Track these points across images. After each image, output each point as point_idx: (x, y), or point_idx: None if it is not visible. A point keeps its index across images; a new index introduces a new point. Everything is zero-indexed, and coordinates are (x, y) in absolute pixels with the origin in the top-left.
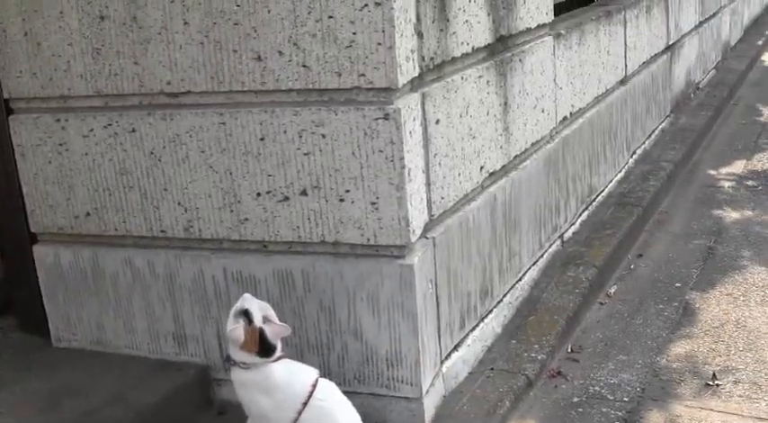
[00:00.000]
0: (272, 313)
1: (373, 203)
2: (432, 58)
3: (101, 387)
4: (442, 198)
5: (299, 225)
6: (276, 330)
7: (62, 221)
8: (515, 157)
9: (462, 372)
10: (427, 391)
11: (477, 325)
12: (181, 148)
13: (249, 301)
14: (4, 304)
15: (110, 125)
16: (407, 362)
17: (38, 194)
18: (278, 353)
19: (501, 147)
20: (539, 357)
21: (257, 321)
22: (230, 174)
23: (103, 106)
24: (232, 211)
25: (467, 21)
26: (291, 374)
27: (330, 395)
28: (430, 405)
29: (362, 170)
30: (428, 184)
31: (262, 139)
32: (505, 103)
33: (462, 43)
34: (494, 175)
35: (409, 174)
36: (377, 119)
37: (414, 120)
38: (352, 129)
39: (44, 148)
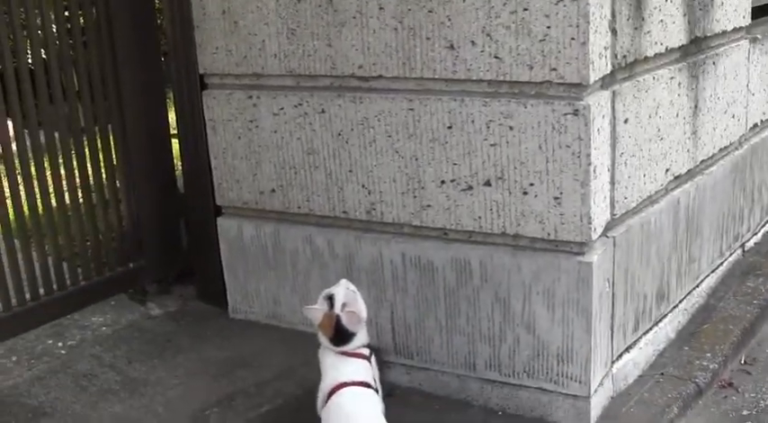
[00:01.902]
0: (354, 302)
1: (556, 198)
2: (624, 56)
3: (273, 360)
4: (626, 198)
5: (481, 215)
6: (351, 318)
7: (247, 196)
8: (702, 161)
9: (632, 374)
10: (595, 391)
11: (650, 328)
12: (368, 132)
13: (338, 287)
14: (185, 273)
15: (300, 105)
16: (578, 359)
17: (225, 168)
18: (356, 346)
19: (688, 150)
20: (711, 366)
21: (336, 308)
22: (416, 160)
23: (295, 86)
24: (415, 196)
25: (662, 20)
26: (328, 369)
27: (342, 405)
28: (597, 404)
29: (548, 164)
30: (612, 182)
31: (449, 128)
32: (696, 106)
33: (656, 43)
34: (679, 179)
35: (595, 171)
36: (566, 114)
37: (603, 117)
38: (540, 122)
39: (235, 123)
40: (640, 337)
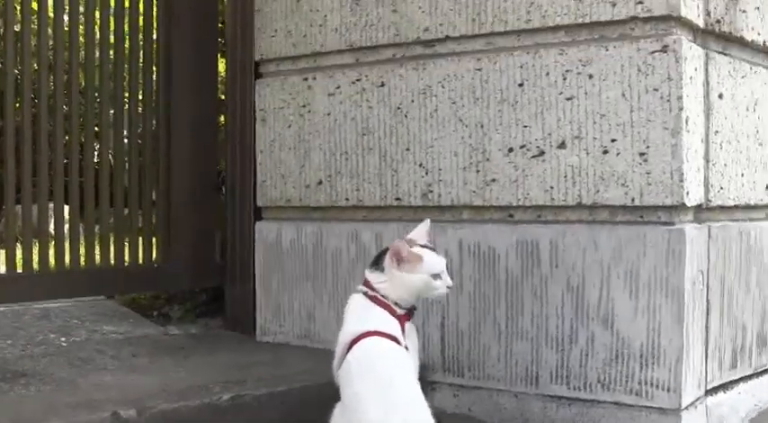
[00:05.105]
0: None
1: (642, 154)
2: (718, 21)
3: (292, 364)
4: (722, 188)
5: (553, 185)
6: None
7: (291, 192)
8: None
9: (730, 420)
10: (686, 408)
11: (749, 376)
12: (430, 101)
13: (422, 226)
14: (212, 302)
15: (358, 80)
16: (666, 359)
17: (271, 163)
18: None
19: None
20: None
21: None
22: (481, 127)
23: (353, 63)
24: (478, 170)
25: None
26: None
27: (368, 350)
28: None
29: (632, 114)
30: (707, 159)
31: (520, 85)
32: None
33: (751, 28)
34: None
35: (687, 121)
36: (653, 52)
37: (695, 69)
38: (623, 65)
39: (286, 110)
40: (738, 381)
